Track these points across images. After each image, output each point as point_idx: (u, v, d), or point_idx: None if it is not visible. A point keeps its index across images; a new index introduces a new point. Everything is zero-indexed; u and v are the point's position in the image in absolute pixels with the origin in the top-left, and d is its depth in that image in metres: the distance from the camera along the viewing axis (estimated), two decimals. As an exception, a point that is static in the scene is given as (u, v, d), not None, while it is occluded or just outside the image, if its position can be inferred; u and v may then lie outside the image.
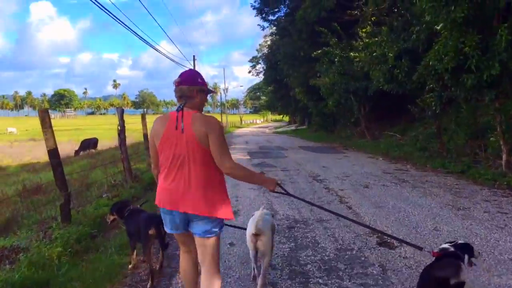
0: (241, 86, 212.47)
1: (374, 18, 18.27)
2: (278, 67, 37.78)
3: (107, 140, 32.42)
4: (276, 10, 31.29)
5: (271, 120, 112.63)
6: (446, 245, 3.09)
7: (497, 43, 8.55)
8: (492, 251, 4.62)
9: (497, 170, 9.58)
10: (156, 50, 24.95)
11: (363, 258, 4.43)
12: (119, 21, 13.48)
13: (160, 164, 2.96)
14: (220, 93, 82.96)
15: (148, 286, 3.90)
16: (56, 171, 5.42)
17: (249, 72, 65.35)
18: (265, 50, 52.03)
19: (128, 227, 4.37)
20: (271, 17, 32.09)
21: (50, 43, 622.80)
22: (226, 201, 2.92)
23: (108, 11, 13.02)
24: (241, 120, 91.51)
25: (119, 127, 8.81)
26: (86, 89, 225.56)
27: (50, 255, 4.29)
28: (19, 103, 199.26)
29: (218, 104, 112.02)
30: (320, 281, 3.92)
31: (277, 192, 3.18)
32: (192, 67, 40.00)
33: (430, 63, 9.94)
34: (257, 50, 64.56)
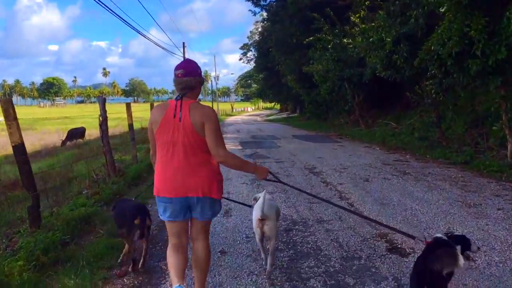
0: (232, 73, 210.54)
1: (368, 2, 17.64)
2: (269, 54, 36.96)
3: (96, 129, 31.61)
4: (267, -6, 30.48)
5: (262, 108, 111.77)
6: (439, 235, 3.04)
7: (504, 26, 8.00)
8: (518, 258, 4.09)
9: (502, 161, 9.09)
10: (146, 37, 24.16)
11: (373, 270, 3.87)
12: (107, 9, 12.76)
13: (158, 150, 3.04)
14: (211, 81, 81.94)
15: (130, 269, 3.94)
16: (22, 169, 4.77)
17: (240, 59, 64.58)
18: (256, 37, 51.12)
19: (115, 215, 4.42)
20: (262, 2, 31.21)
21: (38, 30, 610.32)
22: (220, 183, 3.11)
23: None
24: (232, 108, 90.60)
25: (100, 118, 8.14)
26: (75, 77, 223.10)
27: (10, 270, 3.67)
28: (8, 92, 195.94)
29: (209, 92, 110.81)
30: (326, 300, 3.36)
31: (269, 180, 3.39)
32: (182, 55, 39.11)
33: (432, 47, 9.37)
34: (248, 37, 63.60)
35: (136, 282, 3.78)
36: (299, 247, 4.50)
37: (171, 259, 3.12)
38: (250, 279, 3.72)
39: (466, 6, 8.42)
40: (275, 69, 36.63)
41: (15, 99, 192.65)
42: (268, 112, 79.39)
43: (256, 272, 3.85)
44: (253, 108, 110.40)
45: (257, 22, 49.02)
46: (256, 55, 50.39)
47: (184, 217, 3.07)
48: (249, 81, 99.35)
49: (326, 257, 4.20)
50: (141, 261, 4.06)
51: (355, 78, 18.08)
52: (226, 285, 3.65)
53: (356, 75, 17.87)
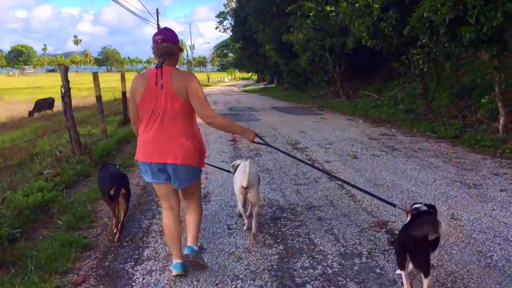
0: (208, 43, 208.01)
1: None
2: (247, 23, 35.74)
3: (67, 100, 30.25)
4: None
5: (239, 78, 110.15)
6: (418, 205, 3.12)
7: (502, -10, 7.45)
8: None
9: (494, 136, 8.66)
10: (119, 3, 22.79)
11: (378, 270, 3.31)
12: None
13: (141, 118, 3.08)
14: (186, 50, 79.77)
15: (116, 239, 3.98)
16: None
17: (216, 28, 62.45)
18: (233, 5, 49.50)
19: (98, 182, 4.47)
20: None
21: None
22: (201, 151, 3.16)
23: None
24: (208, 78, 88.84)
25: (62, 89, 7.29)
26: (45, 45, 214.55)
27: None
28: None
29: (185, 61, 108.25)
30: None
31: (256, 143, 3.46)
32: (156, 23, 37.54)
33: (425, 14, 8.72)
34: (224, 5, 61.65)
35: (96, 291, 3.13)
36: (289, 241, 3.90)
37: (166, 228, 3.31)
38: (234, 285, 3.12)
39: (461, -31, 7.80)
40: (252, 38, 35.46)
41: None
42: (245, 82, 78.17)
43: (241, 276, 3.24)
44: (230, 78, 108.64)
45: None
46: (232, 24, 48.87)
47: (165, 180, 3.14)
48: (226, 50, 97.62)
49: (321, 254, 3.61)
50: (117, 235, 4.01)
51: (337, 48, 17.40)
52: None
53: (338, 44, 17.18)
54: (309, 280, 3.17)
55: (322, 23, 17.28)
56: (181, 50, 3.25)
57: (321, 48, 17.92)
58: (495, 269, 3.31)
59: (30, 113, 23.17)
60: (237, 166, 4.23)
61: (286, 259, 3.52)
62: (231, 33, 53.88)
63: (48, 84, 51.95)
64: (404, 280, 2.90)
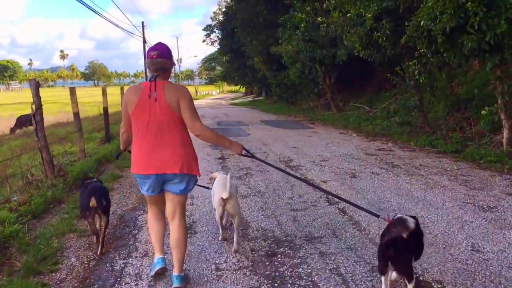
0: (195, 56, 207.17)
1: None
2: (234, 35, 35.36)
3: (52, 115, 29.32)
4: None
5: (227, 91, 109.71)
6: (401, 215, 3.07)
7: (506, -4, 7.04)
8: None
9: (498, 150, 8.19)
10: (105, 18, 22.47)
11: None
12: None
13: (134, 130, 3.17)
14: (174, 63, 79.09)
15: (98, 252, 3.98)
16: None
17: (204, 41, 61.74)
18: (220, 17, 49.17)
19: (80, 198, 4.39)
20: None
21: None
22: (196, 159, 3.27)
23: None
24: (196, 91, 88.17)
25: (33, 106, 6.65)
26: (31, 60, 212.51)
27: None
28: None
29: (173, 75, 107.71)
30: None
31: (243, 156, 3.47)
32: (141, 35, 37.00)
33: (422, 23, 8.26)
34: (211, 18, 61.33)
35: None
36: (289, 285, 3.29)
37: (152, 225, 3.44)
38: None
39: (461, -26, 7.37)
40: (240, 51, 35.05)
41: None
42: (233, 95, 77.68)
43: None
44: (218, 91, 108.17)
45: (220, 1, 47.11)
46: (220, 37, 48.49)
47: (161, 191, 3.28)
48: (213, 63, 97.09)
49: (329, 303, 3.01)
50: (99, 248, 4.00)
51: (327, 59, 16.97)
52: None
53: (329, 56, 16.76)
54: None
55: (312, 34, 16.85)
56: (174, 64, 3.38)
57: (311, 60, 17.48)
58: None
59: (12, 130, 22.30)
60: (215, 178, 4.28)
61: (287, 313, 2.91)
62: (218, 46, 53.51)
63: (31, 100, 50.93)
64: (383, 285, 2.97)
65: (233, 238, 3.98)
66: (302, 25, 17.05)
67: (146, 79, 3.29)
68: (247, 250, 4.00)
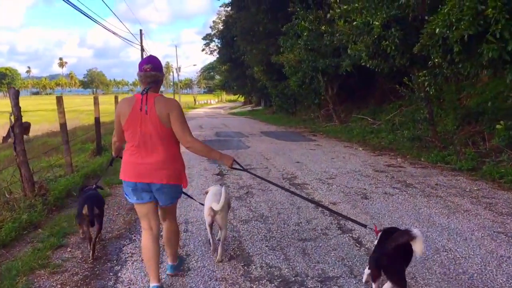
0: (194, 65, 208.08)
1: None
2: (233, 44, 34.92)
3: (48, 123, 28.70)
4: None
5: (226, 100, 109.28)
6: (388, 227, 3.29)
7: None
8: None
9: (519, 168, 7.57)
10: (104, 27, 21.93)
11: None
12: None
13: (127, 140, 3.27)
14: (173, 72, 78.73)
15: (90, 256, 4.04)
16: None
17: (203, 50, 61.48)
18: (220, 26, 48.79)
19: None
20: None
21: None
22: (184, 171, 3.38)
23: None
24: (195, 100, 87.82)
25: (12, 117, 6.02)
26: (29, 67, 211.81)
27: None
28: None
29: (171, 84, 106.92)
30: None
31: (234, 169, 3.58)
32: (139, 44, 36.49)
33: (437, 30, 7.69)
34: (211, 27, 60.93)
35: None
36: None
37: (144, 249, 3.35)
38: None
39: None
40: (239, 60, 34.61)
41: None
42: (232, 104, 77.26)
43: None
44: (217, 100, 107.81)
45: (219, 11, 46.75)
46: (219, 46, 48.08)
47: (149, 199, 3.29)
48: (212, 73, 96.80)
49: None
50: (91, 252, 4.07)
51: (330, 69, 16.42)
52: None
53: (332, 66, 16.21)
54: None
55: (314, 43, 16.33)
56: (164, 75, 3.41)
57: (313, 70, 16.95)
58: None
59: (4, 139, 21.59)
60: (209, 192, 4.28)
61: None
62: (217, 55, 53.07)
63: (31, 108, 50.27)
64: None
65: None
66: (305, 34, 16.55)
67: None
68: (250, 294, 3.35)
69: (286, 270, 3.77)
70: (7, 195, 6.19)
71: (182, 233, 4.77)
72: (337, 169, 8.58)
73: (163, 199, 3.31)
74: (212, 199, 3.85)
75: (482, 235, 4.60)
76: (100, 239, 4.52)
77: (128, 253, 4.21)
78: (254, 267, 3.83)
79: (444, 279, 3.55)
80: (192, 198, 4.97)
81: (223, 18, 44.63)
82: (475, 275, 3.63)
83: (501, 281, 3.50)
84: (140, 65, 3.22)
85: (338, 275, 3.65)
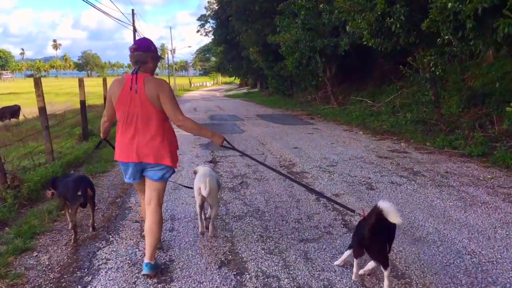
0: (189, 46, 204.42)
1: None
2: (229, 25, 34.01)
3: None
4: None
5: (221, 83, 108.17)
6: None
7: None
8: None
9: (534, 153, 7.04)
10: (97, 8, 21.12)
11: None
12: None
13: (118, 120, 3.33)
14: (167, 54, 77.41)
15: (72, 241, 4.00)
16: None
17: (198, 31, 60.26)
18: (215, 7, 47.59)
19: (59, 190, 4.31)
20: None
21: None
22: (175, 152, 3.40)
23: None
24: (190, 82, 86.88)
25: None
26: (23, 49, 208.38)
27: None
28: None
29: (166, 66, 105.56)
30: None
31: (224, 147, 3.62)
32: (131, 24, 35.47)
33: (449, 5, 7.04)
34: (205, 7, 59.64)
35: None
36: None
37: (146, 220, 3.40)
38: None
39: None
40: (235, 41, 33.69)
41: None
42: (227, 87, 76.40)
43: None
44: (212, 82, 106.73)
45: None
46: (214, 27, 46.98)
47: (140, 179, 3.45)
48: (208, 54, 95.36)
49: None
50: (91, 228, 4.25)
51: (328, 49, 15.74)
52: None
53: (330, 46, 15.52)
54: None
55: (312, 22, 15.60)
56: (156, 58, 3.38)
57: (311, 50, 16.26)
58: None
59: (-16, 122, 20.96)
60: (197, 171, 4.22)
61: None
62: (213, 37, 51.98)
63: (25, 90, 49.25)
64: (355, 266, 3.11)
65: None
66: (302, 13, 15.82)
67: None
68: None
69: (286, 280, 3.20)
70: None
71: (167, 232, 4.20)
72: (338, 155, 8.02)
73: (151, 175, 3.34)
74: (201, 180, 3.80)
75: (507, 233, 4.06)
76: (94, 222, 4.38)
77: (102, 259, 3.62)
78: (248, 276, 3.27)
79: (473, 291, 3.02)
80: (180, 184, 5.15)
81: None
82: (508, 285, 3.09)
83: (539, 293, 2.97)
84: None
85: (347, 286, 3.10)
